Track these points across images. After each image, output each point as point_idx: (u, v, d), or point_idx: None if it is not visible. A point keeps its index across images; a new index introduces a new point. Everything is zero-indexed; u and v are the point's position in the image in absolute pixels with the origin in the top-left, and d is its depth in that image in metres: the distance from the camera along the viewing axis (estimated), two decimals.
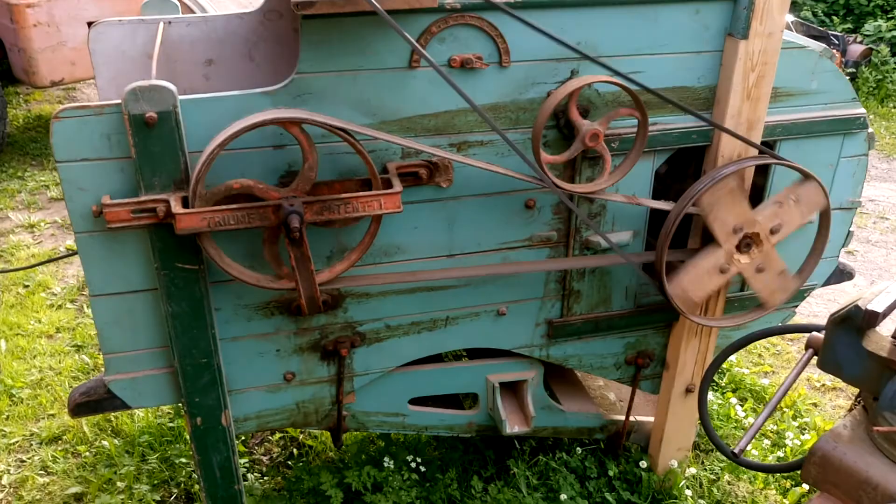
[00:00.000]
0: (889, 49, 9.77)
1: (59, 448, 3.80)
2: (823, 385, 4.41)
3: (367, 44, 2.37)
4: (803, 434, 3.84)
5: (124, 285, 2.48)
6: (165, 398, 2.68)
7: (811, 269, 2.95)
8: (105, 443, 3.77)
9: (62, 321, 4.80)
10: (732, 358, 4.41)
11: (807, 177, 2.74)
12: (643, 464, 3.39)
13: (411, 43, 2.20)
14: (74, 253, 3.97)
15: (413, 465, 3.37)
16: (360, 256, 2.51)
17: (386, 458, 3.35)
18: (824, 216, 2.86)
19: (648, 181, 2.83)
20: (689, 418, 3.36)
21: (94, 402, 2.61)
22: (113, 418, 3.92)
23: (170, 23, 3.11)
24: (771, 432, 3.84)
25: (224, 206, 2.27)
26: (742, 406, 4.00)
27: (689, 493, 3.39)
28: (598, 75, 2.52)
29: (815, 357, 2.43)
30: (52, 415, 4.03)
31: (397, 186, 2.40)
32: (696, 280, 2.77)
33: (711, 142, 2.80)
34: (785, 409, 4.06)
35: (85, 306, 4.98)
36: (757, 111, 2.74)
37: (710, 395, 4.01)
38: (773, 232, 2.75)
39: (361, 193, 2.37)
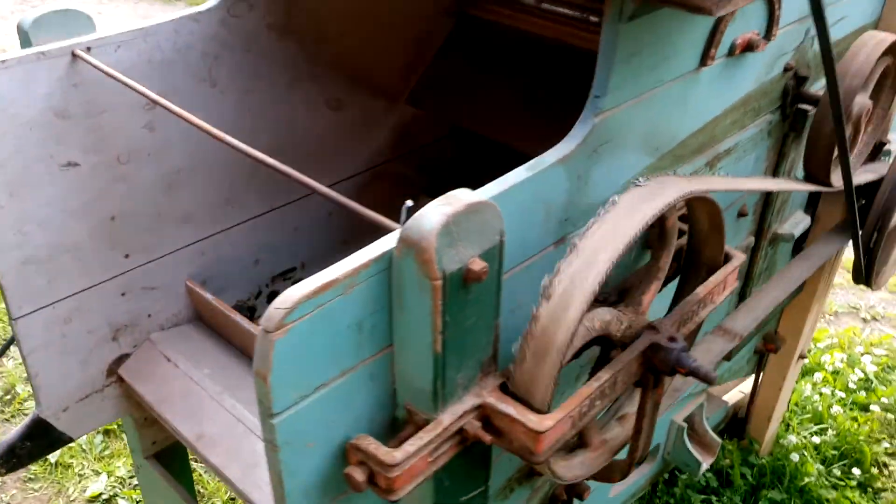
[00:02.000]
0: None
1: None
2: None
3: (669, 43, 1.45)
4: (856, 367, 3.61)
5: None
6: None
7: None
8: None
9: None
10: None
11: None
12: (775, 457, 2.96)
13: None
14: None
15: None
16: None
17: None
18: None
19: None
20: (790, 388, 3.00)
21: None
22: None
23: (88, 49, 1.74)
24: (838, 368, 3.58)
25: (592, 389, 1.25)
26: None
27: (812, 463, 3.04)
28: None
29: None
30: None
31: (738, 256, 1.56)
32: None
33: None
34: None
35: None
36: None
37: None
38: None
39: (714, 281, 1.50)
